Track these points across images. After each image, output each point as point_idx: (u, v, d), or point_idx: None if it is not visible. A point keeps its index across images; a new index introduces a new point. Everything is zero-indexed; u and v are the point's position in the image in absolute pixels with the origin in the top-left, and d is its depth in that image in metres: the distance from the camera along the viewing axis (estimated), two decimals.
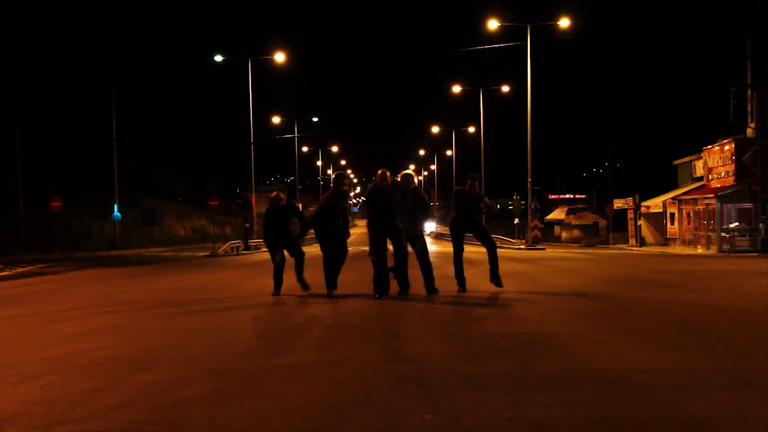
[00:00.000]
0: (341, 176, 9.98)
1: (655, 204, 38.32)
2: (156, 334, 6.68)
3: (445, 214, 67.30)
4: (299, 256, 10.13)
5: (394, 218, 9.31)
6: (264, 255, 27.97)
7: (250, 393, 4.24)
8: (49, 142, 45.50)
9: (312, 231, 10.06)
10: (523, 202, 39.74)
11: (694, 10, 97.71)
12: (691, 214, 33.38)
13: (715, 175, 32.20)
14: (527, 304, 8.51)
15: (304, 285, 9.94)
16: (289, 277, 10.08)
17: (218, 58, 39.19)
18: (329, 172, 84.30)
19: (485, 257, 10.08)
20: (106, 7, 80.00)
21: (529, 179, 35.75)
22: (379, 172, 9.59)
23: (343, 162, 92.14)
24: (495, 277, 9.89)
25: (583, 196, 66.62)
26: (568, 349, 5.47)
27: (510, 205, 55.24)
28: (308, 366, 5.00)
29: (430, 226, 64.52)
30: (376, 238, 9.34)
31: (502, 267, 10.43)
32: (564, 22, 33.77)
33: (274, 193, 10.65)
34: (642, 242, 36.19)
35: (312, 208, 10.33)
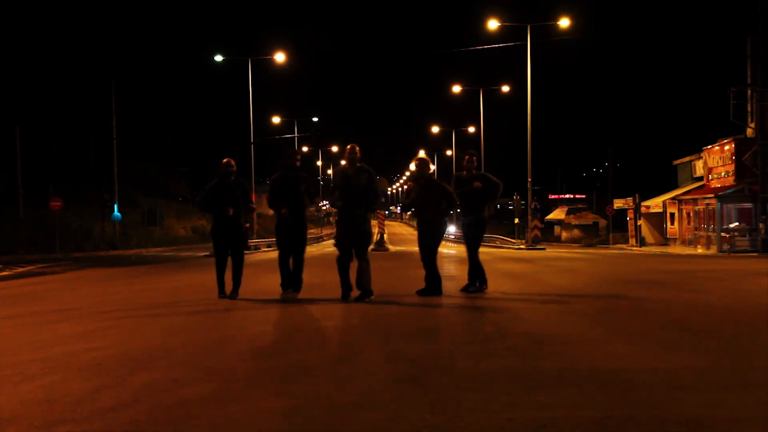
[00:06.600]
0: (292, 151, 9.56)
1: (655, 204, 38.35)
2: (156, 334, 6.68)
3: None
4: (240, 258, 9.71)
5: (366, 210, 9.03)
6: (264, 254, 28.02)
7: (250, 393, 4.24)
8: (49, 142, 45.50)
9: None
10: (523, 202, 39.77)
11: (694, 10, 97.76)
12: (691, 214, 33.39)
13: (715, 175, 32.21)
14: (527, 304, 8.51)
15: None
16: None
17: (218, 58, 39.29)
18: (329, 172, 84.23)
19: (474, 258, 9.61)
20: (105, 6, 79.90)
21: (529, 179, 35.79)
22: (348, 147, 9.14)
23: (343, 162, 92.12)
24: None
25: (583, 196, 66.69)
26: (568, 349, 5.47)
27: (510, 204, 55.23)
28: (308, 366, 5.00)
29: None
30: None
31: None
32: (564, 22, 33.81)
33: (226, 160, 9.95)
34: (642, 242, 36.22)
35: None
